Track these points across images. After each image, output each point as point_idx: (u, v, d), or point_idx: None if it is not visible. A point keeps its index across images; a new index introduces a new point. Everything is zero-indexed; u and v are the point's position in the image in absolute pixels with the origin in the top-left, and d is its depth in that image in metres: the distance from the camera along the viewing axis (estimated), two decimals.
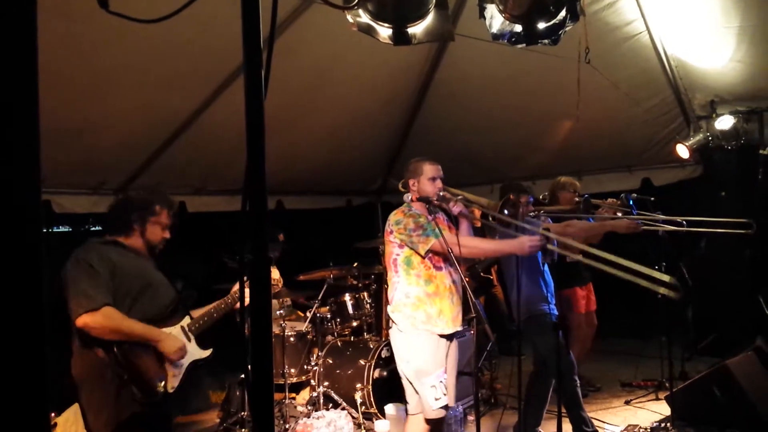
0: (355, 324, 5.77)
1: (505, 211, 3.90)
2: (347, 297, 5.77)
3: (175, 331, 3.25)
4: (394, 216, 3.96)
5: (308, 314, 5.68)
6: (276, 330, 5.42)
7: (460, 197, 3.95)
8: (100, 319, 2.96)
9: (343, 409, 5.21)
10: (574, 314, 6.07)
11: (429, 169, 3.98)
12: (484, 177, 7.97)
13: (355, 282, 5.88)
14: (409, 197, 3.97)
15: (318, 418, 4.96)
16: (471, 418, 5.39)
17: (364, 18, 1.93)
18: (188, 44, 4.98)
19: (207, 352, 3.45)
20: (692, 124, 6.64)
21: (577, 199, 5.51)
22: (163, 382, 3.07)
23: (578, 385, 4.81)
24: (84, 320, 2.96)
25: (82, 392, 3.10)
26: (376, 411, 5.20)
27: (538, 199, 6.13)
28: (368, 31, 1.96)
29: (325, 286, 5.72)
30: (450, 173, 8.09)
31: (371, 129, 7.37)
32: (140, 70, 5.06)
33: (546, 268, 4.87)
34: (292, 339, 5.45)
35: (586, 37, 4.99)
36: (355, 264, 5.99)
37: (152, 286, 3.25)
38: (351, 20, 1.95)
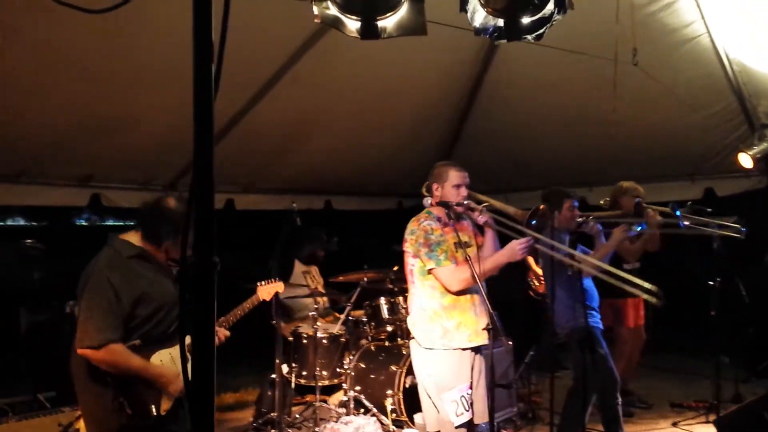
0: (389, 329, 5.67)
1: (533, 222, 3.74)
2: (382, 301, 5.66)
3: (174, 352, 3.17)
4: (410, 225, 3.85)
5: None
6: (309, 331, 5.40)
7: (486, 204, 3.80)
8: (101, 356, 2.93)
9: (373, 415, 5.13)
10: (622, 327, 5.85)
11: (455, 176, 3.82)
12: (536, 182, 7.71)
13: (391, 286, 5.79)
14: (428, 201, 3.84)
15: (346, 423, 4.91)
16: None
17: (333, 10, 1.84)
18: (232, 45, 5.00)
19: None
20: (757, 132, 6.27)
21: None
22: (156, 406, 3.06)
23: (619, 403, 4.60)
24: (85, 352, 2.94)
25: (79, 391, 3.11)
26: (407, 419, 5.09)
27: (599, 205, 5.94)
28: (335, 23, 1.87)
29: (358, 289, 5.66)
30: (501, 177, 7.99)
31: (421, 130, 7.27)
32: (183, 67, 5.11)
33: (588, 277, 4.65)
34: (324, 341, 5.40)
35: (634, 39, 4.78)
36: (396, 267, 5.90)
37: (167, 308, 3.15)
38: (316, 12, 1.86)
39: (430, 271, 3.71)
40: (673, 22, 5.52)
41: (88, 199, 6.01)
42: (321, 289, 6.20)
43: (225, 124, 6.01)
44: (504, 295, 7.79)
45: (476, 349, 3.81)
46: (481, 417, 3.80)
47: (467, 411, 3.65)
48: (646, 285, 3.28)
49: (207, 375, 1.50)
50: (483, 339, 3.75)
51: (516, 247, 3.66)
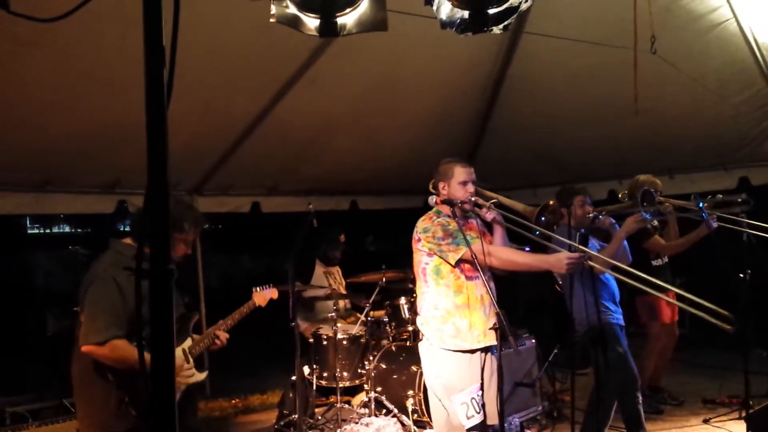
0: (410, 329, 5.62)
1: (542, 218, 3.65)
2: (402, 301, 5.63)
3: (176, 353, 3.21)
4: (422, 223, 3.75)
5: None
6: (329, 332, 5.39)
7: (494, 201, 3.72)
8: (105, 352, 2.96)
9: (394, 416, 5.09)
10: (655, 323, 5.69)
11: (460, 173, 3.74)
12: (565, 176, 7.57)
13: (411, 286, 5.75)
14: (433, 200, 3.79)
15: (366, 425, 4.88)
16: None
17: (292, 9, 1.80)
18: (252, 45, 5.02)
19: (203, 375, 3.42)
20: None
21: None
22: None
23: (640, 402, 4.47)
24: (89, 349, 2.97)
25: (80, 396, 3.15)
26: (428, 419, 5.04)
27: (618, 198, 5.81)
28: (293, 23, 1.83)
29: (376, 290, 5.63)
30: (529, 172, 7.85)
31: (445, 127, 7.18)
32: (203, 75, 5.10)
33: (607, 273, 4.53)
34: (344, 342, 5.38)
35: (652, 27, 4.65)
36: None
37: None
38: (274, 11, 1.83)
39: (457, 262, 3.56)
40: (698, 9, 5.36)
41: (114, 206, 6.11)
42: (342, 290, 6.19)
43: (248, 125, 6.04)
44: (534, 292, 7.73)
45: (486, 350, 3.74)
46: (495, 418, 3.72)
47: (478, 413, 3.57)
48: (718, 309, 2.86)
49: (167, 386, 1.50)
50: (492, 339, 3.68)
51: (564, 260, 3.48)
